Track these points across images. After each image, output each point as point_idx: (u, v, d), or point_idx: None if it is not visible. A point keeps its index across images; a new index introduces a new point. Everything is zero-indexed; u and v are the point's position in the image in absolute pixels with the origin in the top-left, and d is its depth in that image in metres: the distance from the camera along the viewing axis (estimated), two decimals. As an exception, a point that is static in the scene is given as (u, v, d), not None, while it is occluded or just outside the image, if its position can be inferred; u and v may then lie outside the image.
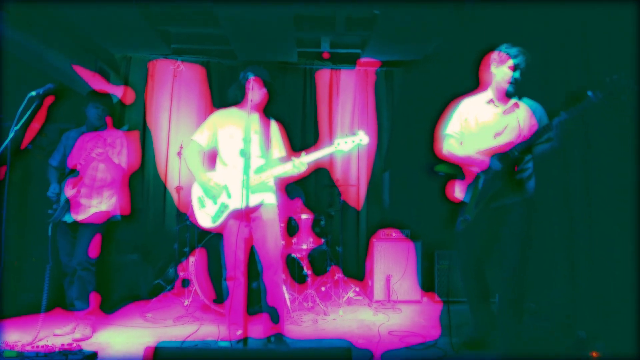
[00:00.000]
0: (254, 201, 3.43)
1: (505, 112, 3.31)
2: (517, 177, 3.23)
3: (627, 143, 3.31)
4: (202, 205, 3.53)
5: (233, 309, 3.46)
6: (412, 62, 6.28)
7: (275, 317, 3.47)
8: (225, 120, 3.64)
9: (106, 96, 4.20)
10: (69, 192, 3.87)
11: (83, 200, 3.94)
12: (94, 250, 3.92)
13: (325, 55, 6.34)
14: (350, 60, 6.44)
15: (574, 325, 3.84)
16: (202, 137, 3.64)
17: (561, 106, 2.93)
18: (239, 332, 3.46)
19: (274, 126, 3.77)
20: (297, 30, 5.48)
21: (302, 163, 3.35)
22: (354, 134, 3.38)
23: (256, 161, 3.54)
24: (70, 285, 3.97)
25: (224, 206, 3.44)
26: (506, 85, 3.26)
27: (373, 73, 6.62)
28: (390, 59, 6.32)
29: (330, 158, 6.42)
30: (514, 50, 3.20)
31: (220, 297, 4.39)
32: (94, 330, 3.93)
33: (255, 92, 3.54)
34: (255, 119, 3.64)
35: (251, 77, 3.47)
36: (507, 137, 3.25)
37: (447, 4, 4.60)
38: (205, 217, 3.50)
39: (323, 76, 6.61)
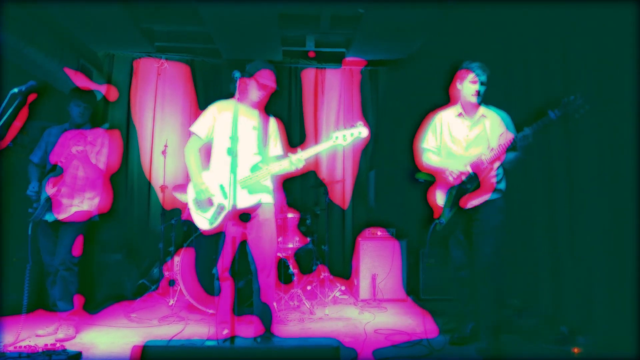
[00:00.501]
0: (251, 201, 3.39)
1: (474, 125, 3.55)
2: (489, 181, 3.46)
3: (610, 139, 3.43)
4: (197, 207, 3.47)
5: (221, 309, 3.44)
6: (396, 61, 6.32)
7: (267, 318, 3.45)
8: (224, 113, 3.54)
9: (89, 93, 4.13)
10: (49, 190, 3.81)
11: (64, 200, 3.88)
12: (76, 249, 3.87)
13: (311, 54, 6.35)
14: (336, 60, 6.47)
15: (557, 321, 3.91)
16: (201, 128, 3.54)
17: (525, 122, 3.26)
18: (225, 332, 3.45)
19: (273, 123, 3.71)
20: (282, 29, 5.48)
21: (299, 160, 3.27)
22: (352, 126, 3.28)
23: (253, 158, 3.48)
24: (53, 285, 3.91)
25: (220, 207, 3.36)
26: (472, 98, 3.49)
27: (358, 72, 6.64)
28: (375, 58, 6.35)
29: (316, 157, 6.43)
30: (473, 66, 3.47)
31: (205, 296, 4.37)
32: (77, 331, 3.88)
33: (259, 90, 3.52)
34: (255, 115, 3.60)
35: (265, 69, 3.47)
36: (478, 148, 3.49)
37: (430, 3, 4.63)
38: (203, 220, 3.43)
39: (308, 75, 6.61)
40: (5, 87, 4.09)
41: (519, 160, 3.42)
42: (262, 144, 3.53)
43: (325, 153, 6.47)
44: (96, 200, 4.06)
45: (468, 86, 3.50)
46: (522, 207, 4.54)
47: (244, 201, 3.36)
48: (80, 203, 3.95)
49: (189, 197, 3.53)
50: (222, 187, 3.40)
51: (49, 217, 3.86)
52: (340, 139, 3.26)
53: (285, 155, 3.46)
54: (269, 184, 3.56)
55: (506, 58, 4.85)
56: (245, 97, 3.56)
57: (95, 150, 3.98)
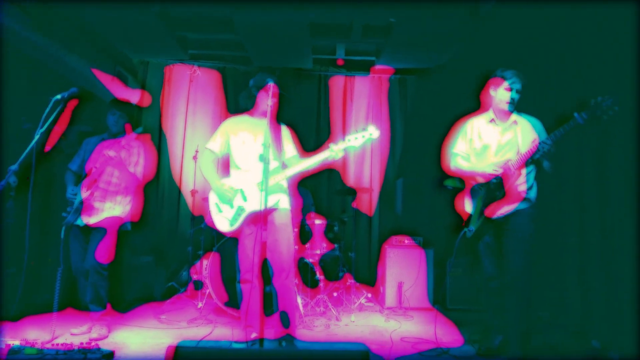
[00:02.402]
0: (269, 202, 3.47)
1: (505, 131, 3.52)
2: (518, 189, 3.41)
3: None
4: (219, 210, 3.59)
5: (249, 312, 3.50)
6: (425, 70, 6.32)
7: (285, 321, 3.49)
8: (236, 127, 3.73)
9: (125, 104, 4.30)
10: (83, 194, 3.92)
11: (96, 204, 3.98)
12: (106, 254, 3.94)
13: (340, 62, 6.39)
14: (364, 67, 6.50)
15: (587, 335, 3.84)
16: (215, 144, 3.73)
17: (553, 127, 3.19)
18: (254, 335, 3.50)
19: (285, 130, 3.84)
20: (313, 37, 5.54)
21: (339, 149, 3.38)
22: (364, 129, 3.40)
23: (272, 164, 3.57)
24: (84, 288, 4.00)
25: (241, 209, 3.50)
26: (505, 106, 3.45)
27: (387, 80, 6.66)
28: (404, 66, 6.38)
29: (344, 164, 6.47)
30: (508, 74, 3.44)
31: (233, 299, 4.43)
32: (109, 331, 3.99)
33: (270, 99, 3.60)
34: (263, 124, 3.63)
35: (271, 84, 3.52)
36: (508, 155, 3.46)
37: (463, 5, 4.62)
38: (224, 221, 3.56)
39: (337, 82, 6.67)
40: (10, 83, 4.26)
41: (551, 168, 3.35)
42: (277, 152, 3.65)
43: (353, 160, 6.51)
44: (128, 207, 4.17)
45: (502, 93, 3.45)
46: (551, 217, 4.49)
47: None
48: (111, 208, 4.05)
49: (210, 202, 3.65)
50: (241, 191, 3.54)
51: (80, 222, 3.96)
52: (352, 141, 3.38)
53: (301, 156, 3.64)
54: (285, 187, 3.69)
55: (536, 66, 4.81)
56: (256, 108, 3.73)
57: (133, 161, 4.10)
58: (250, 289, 3.51)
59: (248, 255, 3.51)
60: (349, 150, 3.47)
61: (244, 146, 3.64)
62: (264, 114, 3.59)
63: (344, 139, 3.41)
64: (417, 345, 3.86)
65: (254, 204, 3.46)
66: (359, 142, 3.39)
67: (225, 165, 3.86)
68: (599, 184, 3.84)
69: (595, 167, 3.90)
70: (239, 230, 3.54)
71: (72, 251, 4.02)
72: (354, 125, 6.60)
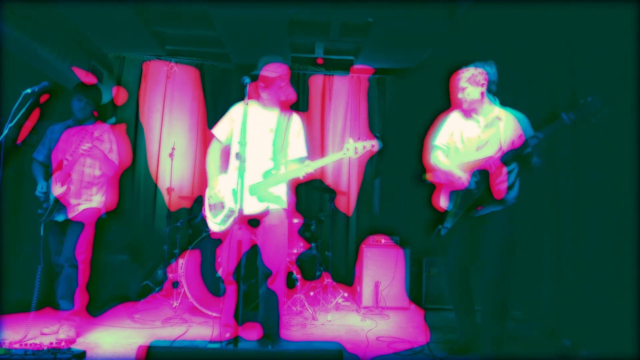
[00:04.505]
0: (259, 208, 3.33)
1: (487, 126, 3.44)
2: (497, 187, 3.33)
3: (617, 149, 3.36)
4: (209, 210, 3.49)
5: (225, 312, 3.44)
6: (404, 69, 6.35)
7: (271, 324, 3.41)
8: (240, 116, 3.43)
9: (92, 88, 4.07)
10: (58, 189, 3.79)
11: (72, 200, 3.87)
12: (82, 247, 3.82)
13: (319, 61, 6.39)
14: (344, 67, 6.51)
15: (559, 334, 3.90)
16: (220, 131, 3.56)
17: (537, 127, 3.12)
18: (228, 335, 3.44)
19: (296, 121, 3.56)
20: (292, 35, 5.52)
21: (308, 168, 3.21)
22: (364, 140, 3.23)
23: (266, 164, 3.41)
24: (58, 284, 3.89)
25: (230, 211, 3.33)
26: (483, 98, 3.42)
27: (366, 80, 6.68)
28: (383, 66, 6.40)
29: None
30: (482, 65, 3.40)
31: (210, 299, 4.39)
32: (78, 332, 3.80)
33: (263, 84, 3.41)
34: (273, 115, 3.51)
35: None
36: (489, 151, 3.38)
37: (440, 5, 4.64)
38: (214, 222, 3.45)
39: (316, 81, 6.66)
40: (9, 83, 4.15)
41: (539, 166, 3.28)
42: (279, 148, 3.43)
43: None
44: (104, 197, 4.05)
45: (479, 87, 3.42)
46: (526, 218, 4.54)
47: (252, 207, 3.31)
48: (87, 200, 3.94)
49: (205, 199, 3.54)
50: (234, 192, 3.33)
51: (59, 218, 3.85)
52: (351, 151, 3.20)
53: (307, 158, 3.43)
54: (280, 191, 3.46)
55: (514, 65, 4.85)
56: (259, 96, 3.49)
57: (106, 148, 3.93)
58: (233, 290, 3.44)
59: (234, 257, 3.37)
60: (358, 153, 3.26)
61: (238, 145, 3.32)
62: (271, 103, 3.48)
63: (341, 148, 3.24)
64: (393, 344, 3.87)
65: (245, 207, 3.14)
66: (359, 153, 3.22)
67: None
68: (574, 184, 3.86)
69: (570, 165, 3.90)
70: (229, 231, 3.40)
71: (51, 248, 3.91)
72: (332, 125, 6.60)
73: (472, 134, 3.51)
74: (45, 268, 3.71)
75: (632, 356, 2.98)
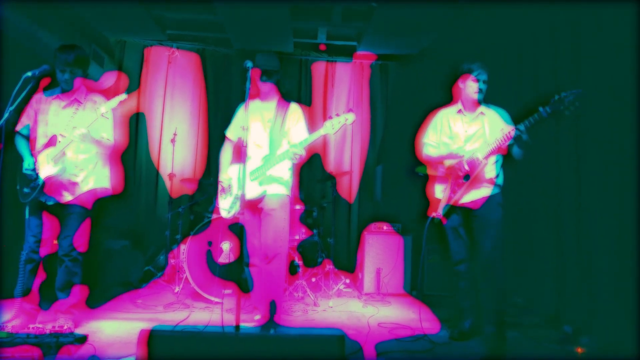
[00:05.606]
0: (257, 192, 3.55)
1: (472, 122, 3.64)
2: (487, 175, 3.51)
3: (619, 140, 3.43)
4: (222, 197, 3.76)
5: (254, 294, 3.71)
6: (407, 56, 6.29)
7: (270, 307, 3.50)
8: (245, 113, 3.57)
9: (73, 53, 3.51)
10: (50, 169, 3.39)
11: (69, 178, 3.49)
12: (82, 238, 3.55)
13: (322, 47, 6.34)
14: (347, 53, 6.45)
15: (560, 320, 3.91)
16: (231, 132, 3.91)
17: (519, 119, 3.30)
18: (257, 317, 3.66)
19: (294, 109, 3.77)
20: (294, 20, 5.46)
21: (294, 146, 3.41)
22: (339, 115, 3.41)
23: (267, 151, 3.62)
24: (32, 274, 3.48)
25: (237, 197, 3.58)
26: (475, 96, 3.58)
27: (368, 66, 6.62)
28: (385, 52, 6.33)
29: (324, 149, 6.42)
30: (474, 66, 3.58)
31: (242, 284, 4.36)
32: (76, 325, 3.56)
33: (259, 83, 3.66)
34: (271, 107, 3.72)
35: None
36: (476, 143, 3.57)
37: (442, 3, 4.64)
38: (223, 208, 3.70)
39: (319, 68, 6.60)
40: (9, 67, 4.10)
41: (522, 156, 3.44)
42: (275, 136, 3.62)
43: (334, 145, 6.47)
44: (105, 179, 3.71)
45: (470, 85, 3.59)
46: (527, 205, 4.54)
47: (252, 192, 3.53)
48: (85, 182, 3.57)
49: (219, 188, 3.81)
50: (238, 179, 3.61)
51: (49, 201, 3.49)
52: (329, 127, 3.37)
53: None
54: (280, 174, 3.65)
55: (512, 57, 4.86)
56: (259, 92, 3.72)
57: (105, 126, 3.58)
58: (258, 272, 3.65)
59: (251, 241, 3.65)
60: (330, 143, 3.54)
61: (245, 132, 3.45)
62: (266, 96, 3.75)
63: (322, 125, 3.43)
64: (394, 330, 3.88)
65: (247, 192, 3.29)
66: (336, 129, 3.39)
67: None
68: (575, 170, 3.89)
69: (572, 154, 3.94)
70: (236, 217, 3.67)
71: (28, 231, 3.47)
72: (334, 112, 6.56)
73: (458, 128, 3.68)
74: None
75: (633, 343, 3.00)
